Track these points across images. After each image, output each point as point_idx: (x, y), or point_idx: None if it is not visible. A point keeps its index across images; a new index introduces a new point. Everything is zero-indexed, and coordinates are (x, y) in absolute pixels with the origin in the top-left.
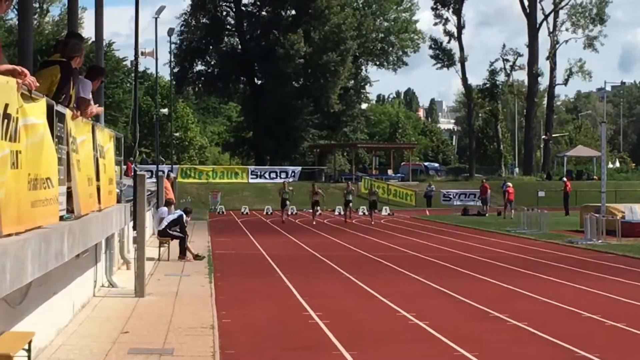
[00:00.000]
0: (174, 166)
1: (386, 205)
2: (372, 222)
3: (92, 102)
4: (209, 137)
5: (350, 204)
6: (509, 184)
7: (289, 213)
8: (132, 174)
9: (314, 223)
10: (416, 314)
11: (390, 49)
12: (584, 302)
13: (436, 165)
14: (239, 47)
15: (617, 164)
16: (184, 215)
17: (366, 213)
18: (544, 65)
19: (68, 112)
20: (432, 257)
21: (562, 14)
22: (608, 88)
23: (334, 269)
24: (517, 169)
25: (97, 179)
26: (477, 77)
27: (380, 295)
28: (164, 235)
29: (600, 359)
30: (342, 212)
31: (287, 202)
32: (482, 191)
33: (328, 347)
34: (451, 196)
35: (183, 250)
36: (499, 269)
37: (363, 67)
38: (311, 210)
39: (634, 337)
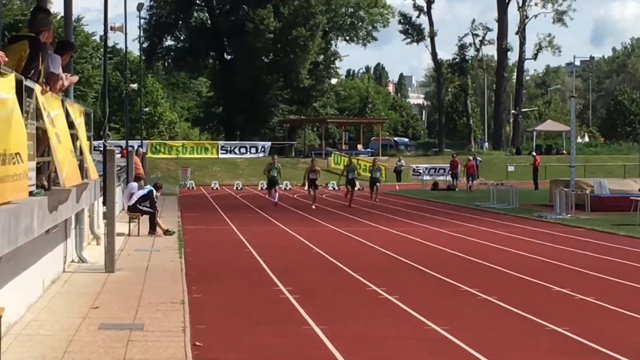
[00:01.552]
0: (143, 141)
1: (356, 181)
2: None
3: (62, 77)
4: (179, 113)
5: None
6: (479, 158)
7: (283, 188)
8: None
9: (314, 207)
10: (386, 289)
11: (360, 23)
12: (554, 276)
13: (406, 140)
14: (209, 22)
15: (586, 139)
16: (154, 191)
17: (337, 188)
18: (513, 40)
19: (37, 87)
20: (402, 231)
21: None
22: (577, 63)
23: (303, 242)
24: (486, 144)
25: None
26: (448, 52)
27: (350, 269)
28: (133, 210)
29: (570, 332)
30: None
31: (277, 181)
32: (452, 166)
33: (298, 322)
34: (421, 171)
35: (153, 225)
36: (467, 243)
37: (333, 42)
38: (306, 189)
39: (603, 310)
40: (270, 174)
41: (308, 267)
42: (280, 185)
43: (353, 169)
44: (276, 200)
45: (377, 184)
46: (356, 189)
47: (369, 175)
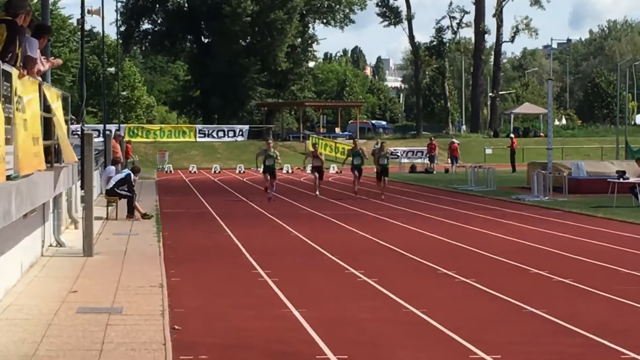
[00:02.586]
0: (121, 125)
1: (334, 164)
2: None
3: (39, 61)
4: (156, 96)
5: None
6: (454, 140)
7: (285, 172)
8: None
9: (317, 193)
10: (365, 272)
11: (337, 6)
12: (531, 258)
13: (383, 123)
14: (186, 5)
15: (564, 121)
16: (132, 174)
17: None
18: (490, 22)
19: (15, 71)
20: (381, 215)
21: None
22: (554, 45)
23: (282, 226)
24: (464, 127)
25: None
26: (425, 35)
27: (329, 252)
28: (111, 194)
29: (549, 314)
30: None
31: (273, 169)
32: (430, 149)
33: (278, 305)
34: (398, 154)
35: (131, 209)
36: (446, 226)
37: (310, 25)
38: (309, 173)
39: (581, 292)
40: (266, 162)
41: (287, 251)
42: (282, 169)
43: (358, 154)
44: (271, 195)
45: (385, 177)
46: (335, 172)
47: (376, 162)
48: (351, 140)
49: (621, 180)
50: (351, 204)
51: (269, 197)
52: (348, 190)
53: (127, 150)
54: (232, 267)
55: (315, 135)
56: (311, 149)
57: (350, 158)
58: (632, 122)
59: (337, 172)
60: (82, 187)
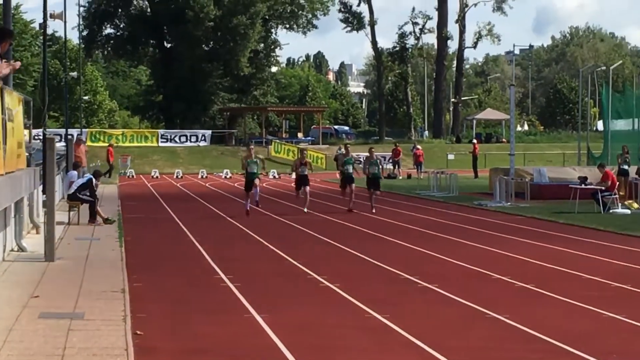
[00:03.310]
0: (83, 130)
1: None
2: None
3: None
4: (119, 101)
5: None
6: (419, 146)
7: (272, 177)
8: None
9: (306, 211)
10: (327, 277)
11: (300, 12)
12: (493, 263)
13: (346, 128)
14: (148, 10)
15: (526, 127)
16: (93, 179)
17: (277, 177)
18: (453, 28)
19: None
20: (341, 219)
21: None
22: (517, 51)
23: (244, 231)
24: (426, 132)
25: (4, 142)
26: (388, 40)
27: (291, 257)
28: (73, 199)
29: (511, 320)
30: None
31: (256, 178)
32: (395, 154)
33: (240, 310)
34: (361, 159)
35: (93, 214)
36: (409, 232)
37: (273, 30)
38: (294, 187)
39: (543, 297)
40: (248, 169)
41: (249, 256)
42: (262, 176)
43: (351, 161)
44: (248, 207)
45: (376, 190)
46: (275, 177)
47: (365, 171)
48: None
49: (583, 186)
50: (311, 207)
51: (246, 211)
52: (335, 202)
53: (109, 154)
54: (195, 272)
55: (277, 141)
56: (298, 155)
57: (341, 167)
58: (594, 129)
59: (274, 178)
60: (43, 192)
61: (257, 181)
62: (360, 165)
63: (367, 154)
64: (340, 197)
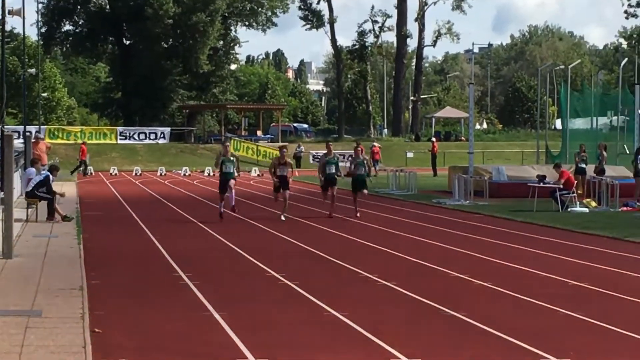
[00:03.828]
0: (41, 127)
1: (256, 167)
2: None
3: None
4: (77, 98)
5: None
6: (375, 143)
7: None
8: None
9: (283, 219)
10: (286, 275)
11: (260, 9)
12: (452, 261)
13: (305, 126)
14: (107, 7)
15: (485, 125)
16: (50, 176)
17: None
18: (412, 26)
19: None
20: (300, 217)
21: None
22: (476, 50)
23: (202, 229)
24: (385, 130)
25: None
26: (347, 38)
27: (249, 255)
28: (31, 196)
29: (469, 317)
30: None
31: (232, 178)
32: (357, 153)
33: (198, 308)
34: (319, 157)
35: (51, 211)
36: (367, 230)
37: (232, 28)
38: (274, 193)
39: (501, 295)
40: (224, 168)
41: (208, 253)
42: (236, 179)
43: (334, 161)
44: (222, 210)
45: (364, 190)
46: (256, 174)
47: (349, 171)
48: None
49: (541, 184)
50: (271, 206)
51: (219, 213)
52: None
53: (82, 152)
54: (153, 269)
55: (236, 138)
56: (277, 153)
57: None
58: (553, 127)
59: (258, 175)
60: (1, 189)
61: (232, 182)
62: (345, 165)
63: (352, 152)
64: (321, 201)
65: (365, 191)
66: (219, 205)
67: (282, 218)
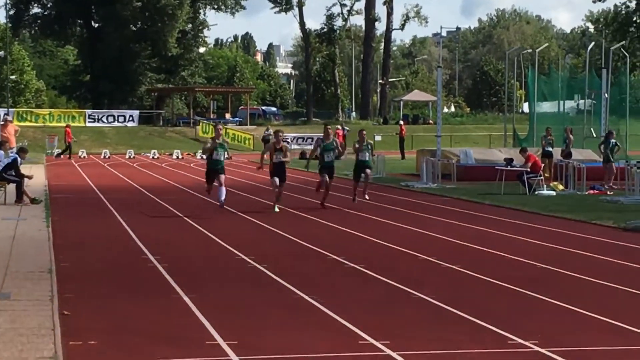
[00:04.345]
0: (9, 109)
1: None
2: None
3: None
4: (46, 81)
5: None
6: (347, 127)
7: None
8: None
9: (277, 210)
10: (255, 258)
11: None
12: (420, 244)
13: (274, 109)
14: None
15: (453, 109)
16: (18, 159)
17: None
18: (381, 10)
19: None
20: (272, 200)
21: None
22: (444, 33)
23: (171, 210)
24: (354, 113)
25: None
26: (316, 22)
27: (218, 238)
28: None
29: (437, 300)
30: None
31: (222, 169)
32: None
33: (167, 291)
34: (289, 140)
35: (20, 194)
36: (335, 213)
37: (201, 11)
38: (270, 181)
39: (469, 278)
40: (214, 156)
41: (177, 236)
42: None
43: (331, 147)
44: (223, 198)
45: (367, 170)
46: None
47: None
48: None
49: (509, 167)
50: (243, 188)
51: (220, 204)
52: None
53: (67, 134)
54: (122, 252)
55: (205, 121)
56: (272, 139)
57: (318, 153)
58: (520, 110)
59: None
60: None
61: (223, 178)
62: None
63: (358, 137)
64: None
65: (369, 171)
66: (210, 192)
67: (275, 209)
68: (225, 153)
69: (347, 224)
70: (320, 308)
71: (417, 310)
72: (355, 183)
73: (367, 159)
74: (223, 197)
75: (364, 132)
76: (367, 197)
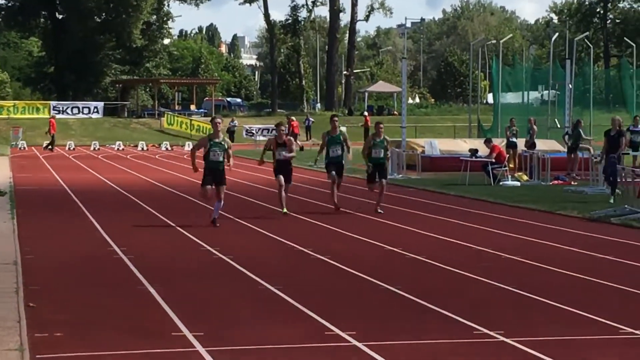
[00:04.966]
0: None
1: (189, 141)
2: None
3: None
4: (10, 72)
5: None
6: (311, 118)
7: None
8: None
9: (284, 210)
10: (220, 249)
11: None
12: (384, 235)
13: (239, 100)
14: None
15: (417, 100)
16: None
17: (169, 148)
18: (345, 1)
19: None
20: (235, 191)
21: None
22: (408, 24)
23: (137, 203)
24: (319, 105)
25: None
26: (281, 13)
27: (183, 229)
28: None
29: (403, 291)
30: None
31: (222, 176)
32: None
33: (133, 283)
34: (254, 131)
35: None
36: (300, 204)
37: (165, 2)
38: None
39: (434, 269)
40: (212, 155)
41: (142, 228)
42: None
43: (339, 140)
44: (216, 215)
45: (382, 179)
46: (189, 148)
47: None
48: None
49: (474, 158)
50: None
51: (212, 220)
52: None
53: (51, 126)
54: (87, 244)
55: (170, 113)
56: (278, 131)
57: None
58: (484, 101)
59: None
60: None
61: (222, 191)
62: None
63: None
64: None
65: (385, 181)
66: (214, 209)
67: (284, 210)
68: (224, 153)
69: (311, 216)
70: (287, 300)
71: (384, 300)
72: (370, 184)
73: (382, 156)
74: (219, 211)
75: (381, 126)
76: (380, 209)
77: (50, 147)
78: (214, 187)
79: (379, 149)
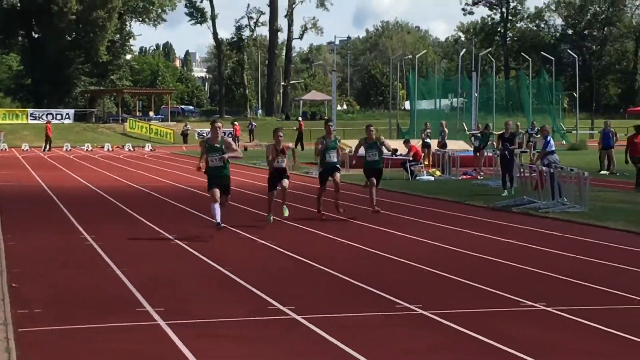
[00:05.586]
0: None
1: (149, 142)
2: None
3: None
4: None
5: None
6: (254, 123)
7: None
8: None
9: (285, 213)
10: (177, 235)
11: (151, 7)
12: (318, 224)
13: (191, 107)
14: (18, 4)
15: (345, 107)
16: None
17: (131, 149)
18: (283, 22)
19: None
20: (189, 185)
21: None
22: (337, 42)
23: (104, 197)
24: (260, 111)
25: None
26: (227, 32)
27: (144, 219)
28: None
29: (340, 273)
30: None
31: (227, 180)
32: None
33: (102, 265)
34: (204, 134)
35: None
36: (248, 198)
37: (128, 23)
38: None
39: (365, 254)
40: (211, 161)
41: (109, 218)
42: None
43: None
44: (218, 219)
45: (375, 181)
46: (150, 150)
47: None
48: (165, 123)
49: (394, 157)
50: (159, 174)
51: (217, 224)
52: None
53: (48, 129)
54: (62, 232)
55: (132, 118)
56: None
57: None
58: (402, 108)
59: (151, 150)
60: None
61: (224, 199)
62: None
63: (365, 135)
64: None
65: (374, 180)
66: (214, 213)
67: (285, 213)
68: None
69: (256, 206)
70: (236, 279)
71: (321, 281)
72: (368, 187)
73: (377, 159)
74: (218, 218)
75: (372, 128)
76: (376, 207)
77: (47, 148)
78: (218, 193)
79: (373, 152)
